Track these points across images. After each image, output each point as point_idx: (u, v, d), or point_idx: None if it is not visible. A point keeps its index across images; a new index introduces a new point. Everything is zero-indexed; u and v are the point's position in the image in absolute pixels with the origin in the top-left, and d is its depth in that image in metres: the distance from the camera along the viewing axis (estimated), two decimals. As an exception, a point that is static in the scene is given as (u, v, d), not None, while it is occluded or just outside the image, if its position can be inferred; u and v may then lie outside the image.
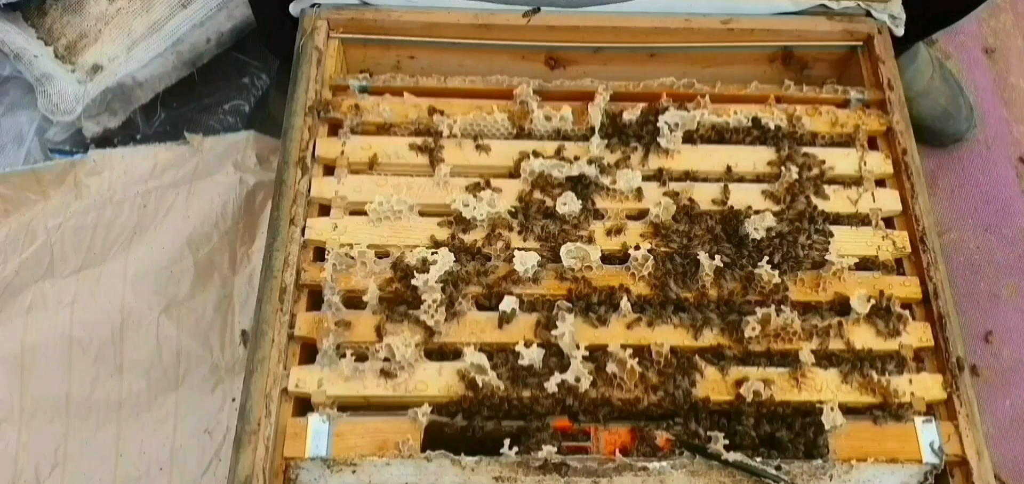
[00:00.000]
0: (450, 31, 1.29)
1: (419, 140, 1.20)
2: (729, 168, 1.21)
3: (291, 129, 1.20)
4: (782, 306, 1.08)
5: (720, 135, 1.23)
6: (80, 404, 1.34)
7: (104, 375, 1.36)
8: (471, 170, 1.18)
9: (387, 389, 1.02)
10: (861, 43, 1.33)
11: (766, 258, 1.11)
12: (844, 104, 1.28)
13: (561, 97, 1.25)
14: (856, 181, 1.21)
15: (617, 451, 0.99)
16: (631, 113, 1.23)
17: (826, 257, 1.12)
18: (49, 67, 1.55)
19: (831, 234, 1.15)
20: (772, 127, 1.23)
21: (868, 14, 1.33)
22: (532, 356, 1.04)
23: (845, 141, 1.25)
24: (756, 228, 1.13)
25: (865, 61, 1.32)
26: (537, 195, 1.16)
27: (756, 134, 1.23)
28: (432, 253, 1.10)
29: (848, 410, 1.03)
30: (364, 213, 1.14)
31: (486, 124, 1.22)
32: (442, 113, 1.22)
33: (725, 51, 1.33)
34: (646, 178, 1.19)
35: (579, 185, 1.17)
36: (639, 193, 1.17)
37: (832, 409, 1.02)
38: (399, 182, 1.16)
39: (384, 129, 1.22)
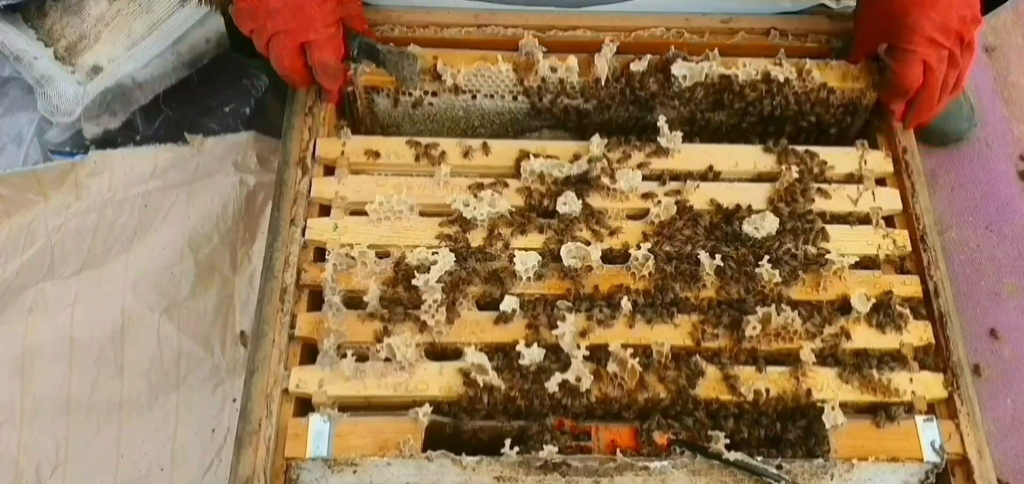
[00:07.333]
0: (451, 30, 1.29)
1: (419, 139, 1.20)
2: (729, 167, 1.21)
3: (291, 129, 1.20)
4: (782, 305, 1.08)
5: (728, 97, 1.22)
6: (81, 405, 1.34)
7: (105, 376, 1.36)
8: (471, 170, 1.18)
9: (388, 389, 1.02)
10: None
11: (766, 257, 1.11)
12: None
13: (566, 47, 1.24)
14: (856, 180, 1.21)
15: (618, 450, 0.99)
16: (639, 65, 1.22)
17: (826, 256, 1.12)
18: (49, 68, 1.55)
19: (830, 235, 1.15)
20: (781, 80, 1.22)
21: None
22: (532, 356, 1.04)
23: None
24: (756, 227, 1.13)
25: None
26: (537, 195, 1.16)
27: (764, 88, 1.22)
28: (433, 253, 1.10)
29: (849, 409, 1.03)
30: (364, 213, 1.14)
31: (490, 75, 1.21)
32: (444, 63, 1.21)
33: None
34: (646, 178, 1.19)
35: (579, 185, 1.17)
36: (638, 193, 1.17)
37: (833, 408, 1.02)
38: (399, 182, 1.16)
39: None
